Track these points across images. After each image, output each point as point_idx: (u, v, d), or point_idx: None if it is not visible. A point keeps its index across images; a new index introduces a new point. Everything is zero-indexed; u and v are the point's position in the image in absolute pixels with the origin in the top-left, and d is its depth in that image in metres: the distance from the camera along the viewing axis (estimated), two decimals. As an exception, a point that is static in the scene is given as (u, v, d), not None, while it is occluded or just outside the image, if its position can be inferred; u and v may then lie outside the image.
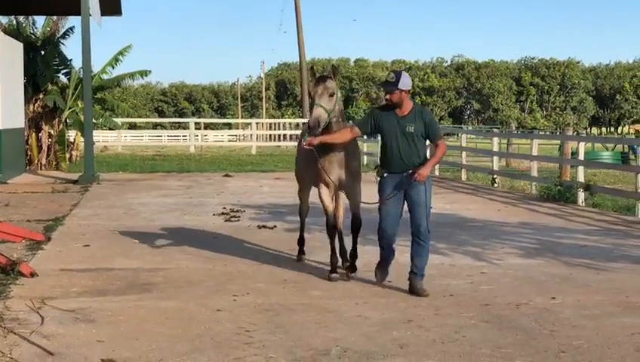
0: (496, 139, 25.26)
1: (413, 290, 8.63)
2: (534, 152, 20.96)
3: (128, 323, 7.41)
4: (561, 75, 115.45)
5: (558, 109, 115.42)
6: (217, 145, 47.98)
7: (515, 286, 9.19)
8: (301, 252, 10.70)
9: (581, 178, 18.33)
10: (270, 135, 46.03)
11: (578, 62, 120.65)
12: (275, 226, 13.76)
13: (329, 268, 9.53)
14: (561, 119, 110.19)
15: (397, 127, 8.54)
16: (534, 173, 20.90)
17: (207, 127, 69.11)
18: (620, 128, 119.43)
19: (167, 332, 7.09)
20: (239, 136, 56.83)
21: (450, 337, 7.02)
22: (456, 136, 46.85)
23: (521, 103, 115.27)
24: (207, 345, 6.74)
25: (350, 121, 10.31)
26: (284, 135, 45.59)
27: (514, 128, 36.72)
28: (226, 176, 25.24)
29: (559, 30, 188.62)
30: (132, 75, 32.83)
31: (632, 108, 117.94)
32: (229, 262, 10.49)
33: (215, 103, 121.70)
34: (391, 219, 8.74)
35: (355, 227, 9.55)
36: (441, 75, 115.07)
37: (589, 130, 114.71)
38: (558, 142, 30.20)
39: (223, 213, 15.43)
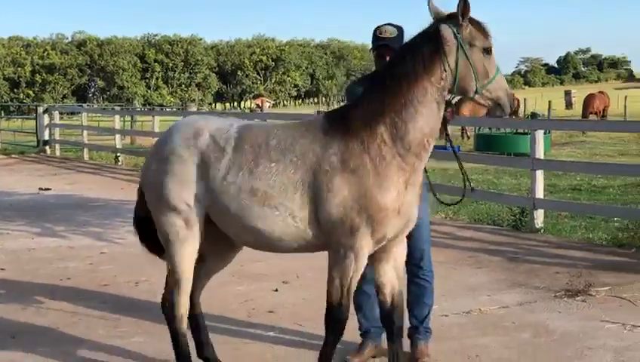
0: (118, 117, 25.04)
1: (416, 357, 5.78)
2: (156, 129, 21.15)
3: None
4: (184, 51, 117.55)
5: (183, 86, 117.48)
6: None
7: (135, 264, 9.13)
8: None
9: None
10: None
11: (200, 39, 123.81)
12: None
13: None
14: (186, 95, 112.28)
15: None
16: (157, 150, 21.09)
17: None
18: (242, 103, 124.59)
19: None
20: None
21: (67, 321, 6.84)
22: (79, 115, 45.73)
23: (147, 80, 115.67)
24: None
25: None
26: None
27: (137, 105, 36.69)
28: None
29: (180, 7, 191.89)
30: None
31: (253, 83, 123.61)
32: None
33: None
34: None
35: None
36: (63, 52, 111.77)
37: (214, 105, 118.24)
38: (181, 118, 30.75)
39: None
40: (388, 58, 5.34)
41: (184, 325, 5.19)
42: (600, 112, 37.25)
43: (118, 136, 23.46)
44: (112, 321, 6.84)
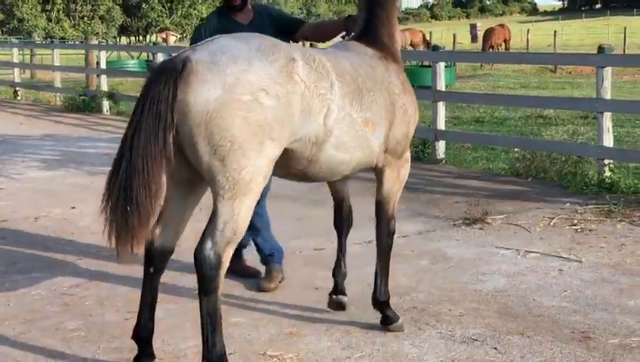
0: (16, 50, 24.31)
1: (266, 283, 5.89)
2: (56, 62, 20.64)
3: None
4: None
5: (86, 18, 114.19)
6: None
7: (33, 199, 9.00)
8: None
9: (105, 87, 18.43)
10: None
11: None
12: None
13: None
14: (89, 28, 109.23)
15: None
16: (58, 84, 20.61)
17: None
18: (148, 37, 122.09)
19: None
20: None
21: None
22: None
23: (48, 13, 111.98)
24: None
25: None
26: None
27: (37, 38, 35.59)
28: None
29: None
30: None
31: (159, 16, 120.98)
32: None
33: None
34: None
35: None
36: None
37: (118, 39, 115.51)
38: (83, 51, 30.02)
39: None
40: None
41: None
42: (500, 46, 37.87)
43: (16, 70, 22.76)
44: (10, 256, 6.73)
